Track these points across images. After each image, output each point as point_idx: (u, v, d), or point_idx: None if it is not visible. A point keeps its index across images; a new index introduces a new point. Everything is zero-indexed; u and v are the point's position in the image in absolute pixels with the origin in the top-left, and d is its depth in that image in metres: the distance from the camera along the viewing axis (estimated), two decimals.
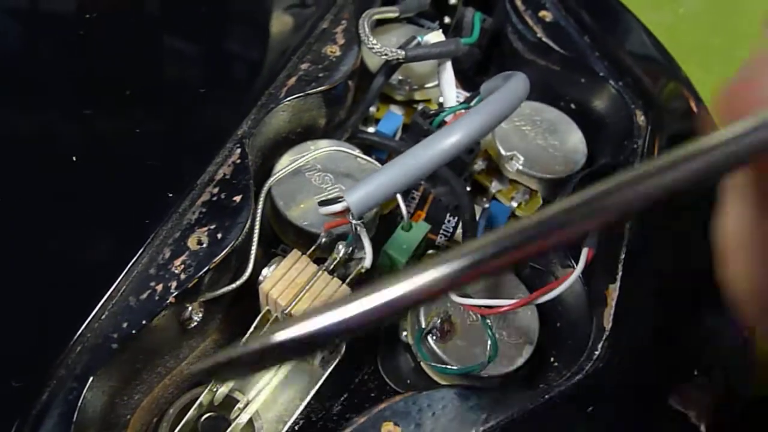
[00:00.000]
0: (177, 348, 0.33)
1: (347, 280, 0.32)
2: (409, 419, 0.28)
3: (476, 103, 0.40)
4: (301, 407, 0.34)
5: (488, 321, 0.30)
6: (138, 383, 0.32)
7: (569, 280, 0.28)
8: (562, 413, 0.29)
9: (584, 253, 0.30)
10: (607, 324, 0.31)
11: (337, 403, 0.35)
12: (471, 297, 0.29)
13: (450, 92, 0.40)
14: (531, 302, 0.28)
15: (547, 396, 0.29)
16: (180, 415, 0.32)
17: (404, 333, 0.36)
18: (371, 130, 0.43)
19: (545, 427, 0.28)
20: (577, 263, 0.33)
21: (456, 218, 0.41)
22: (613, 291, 0.33)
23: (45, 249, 0.29)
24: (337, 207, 0.28)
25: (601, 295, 0.33)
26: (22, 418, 0.26)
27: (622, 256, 0.33)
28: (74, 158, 0.31)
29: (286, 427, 0.34)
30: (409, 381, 0.36)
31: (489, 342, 0.30)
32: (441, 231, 0.41)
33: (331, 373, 0.36)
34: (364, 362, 0.36)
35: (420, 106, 0.44)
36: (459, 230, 0.40)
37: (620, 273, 0.33)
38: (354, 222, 0.31)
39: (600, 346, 0.31)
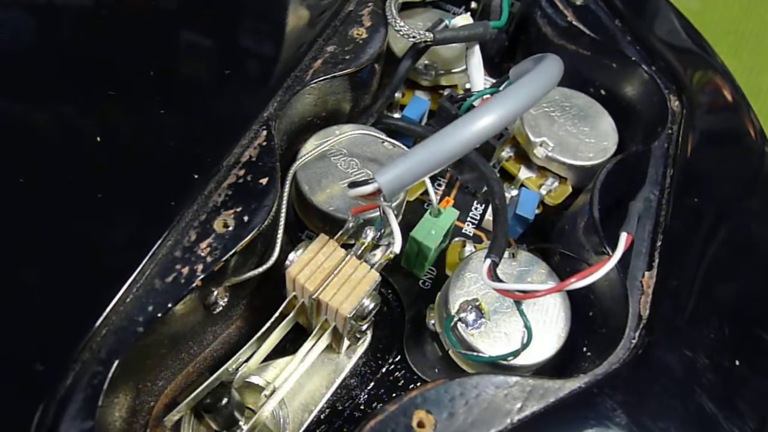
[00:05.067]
0: (201, 334, 0.33)
1: (375, 265, 0.31)
2: (441, 407, 0.27)
3: (505, 87, 0.39)
4: (327, 396, 0.34)
5: (522, 307, 0.29)
6: (162, 369, 0.31)
7: (609, 264, 0.27)
8: (599, 402, 0.28)
9: (623, 238, 0.29)
10: (644, 312, 0.31)
11: (363, 392, 0.34)
12: (505, 283, 0.29)
13: (478, 77, 0.39)
14: (568, 287, 0.27)
15: (583, 384, 0.28)
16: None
17: (432, 321, 0.35)
18: (396, 116, 0.42)
19: (582, 416, 0.27)
20: (612, 250, 0.32)
21: (483, 205, 0.40)
22: (650, 279, 0.32)
23: (69, 231, 0.29)
24: (367, 188, 0.27)
25: (637, 282, 0.32)
26: (47, 402, 0.25)
27: (659, 243, 0.32)
28: (98, 139, 0.31)
29: (311, 416, 0.33)
30: (437, 370, 0.35)
31: (523, 328, 0.29)
32: (468, 218, 0.40)
33: (357, 362, 0.35)
34: (391, 351, 0.36)
35: (446, 92, 0.43)
36: (487, 217, 0.39)
37: (657, 260, 0.32)
38: (384, 204, 0.30)
39: (637, 334, 0.30)
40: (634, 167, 0.35)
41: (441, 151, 0.27)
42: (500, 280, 0.29)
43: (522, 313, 0.29)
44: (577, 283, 0.27)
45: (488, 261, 0.30)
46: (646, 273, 0.32)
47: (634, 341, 0.30)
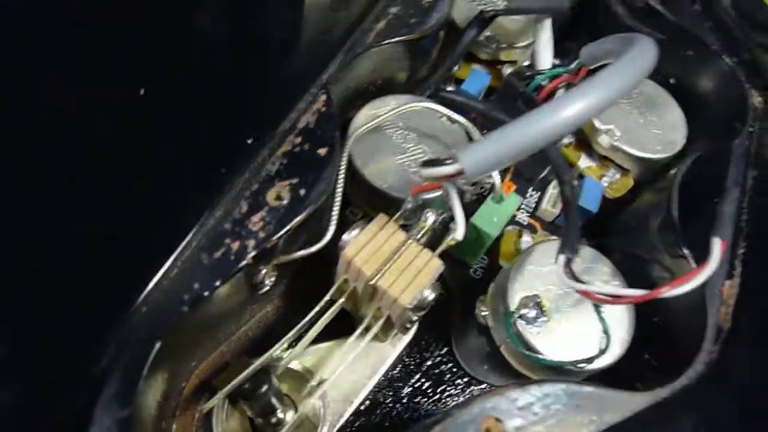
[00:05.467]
0: (240, 313, 0.30)
1: (436, 252, 0.29)
2: (511, 415, 0.24)
3: (576, 67, 0.36)
4: (369, 387, 0.31)
5: (602, 311, 0.26)
6: (197, 350, 0.29)
7: (705, 273, 0.25)
8: (678, 421, 0.26)
9: (717, 244, 0.26)
10: (725, 324, 0.28)
11: (407, 385, 0.32)
12: (583, 282, 0.26)
13: (546, 54, 0.36)
14: (662, 295, 0.24)
15: (660, 399, 0.26)
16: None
17: (483, 314, 0.32)
18: (450, 89, 0.39)
19: (657, 429, 0.25)
20: (689, 252, 0.30)
21: (539, 193, 0.38)
22: (731, 288, 0.29)
23: (108, 195, 0.26)
24: (448, 169, 0.24)
25: (716, 291, 0.29)
26: (78, 386, 0.22)
27: (741, 251, 0.30)
28: (142, 92, 0.28)
29: (352, 408, 0.31)
30: (486, 367, 0.33)
31: (602, 333, 0.27)
32: (523, 206, 0.37)
33: (401, 353, 0.33)
34: (438, 343, 0.33)
35: (505, 67, 0.40)
36: (543, 206, 0.37)
37: (739, 269, 0.30)
38: (450, 187, 0.28)
39: (716, 348, 0.28)
40: (714, 165, 0.33)
41: (534, 135, 0.24)
42: (579, 280, 0.26)
43: (601, 317, 0.27)
44: (671, 291, 0.24)
45: (562, 257, 0.27)
46: (727, 282, 0.29)
47: (713, 355, 0.28)
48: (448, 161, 0.25)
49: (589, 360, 0.27)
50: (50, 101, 0.27)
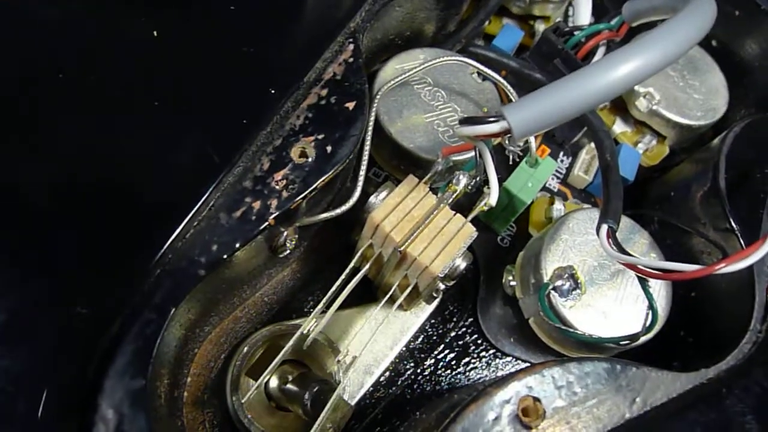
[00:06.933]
0: (257, 277, 0.28)
1: (468, 218, 0.27)
2: (550, 395, 0.23)
3: (617, 24, 0.33)
4: (391, 358, 0.30)
5: (649, 287, 0.25)
6: (212, 315, 0.27)
7: (765, 249, 0.23)
8: (727, 405, 0.24)
9: None
10: None
11: (429, 357, 0.31)
12: (631, 256, 0.24)
13: (585, 9, 0.34)
14: (719, 270, 0.22)
15: (706, 381, 0.25)
16: (254, 354, 0.28)
17: (511, 283, 0.31)
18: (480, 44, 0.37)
19: (708, 419, 0.24)
20: (738, 226, 0.28)
21: (570, 158, 0.36)
22: None
23: (121, 149, 0.23)
24: (492, 127, 0.22)
25: (766, 268, 0.27)
26: (88, 353, 0.21)
27: None
28: (155, 33, 0.25)
29: (372, 379, 0.29)
30: (512, 339, 0.31)
31: (647, 309, 0.25)
32: (554, 171, 0.35)
33: (425, 323, 0.31)
34: (462, 314, 0.32)
35: (537, 23, 0.37)
36: (574, 172, 0.35)
37: None
38: (484, 147, 0.25)
39: (765, 327, 0.26)
40: (761, 134, 0.31)
41: (590, 93, 0.22)
42: (626, 251, 0.24)
43: (648, 292, 0.25)
44: (728, 267, 0.22)
45: (605, 227, 0.26)
46: None
47: (761, 335, 0.26)
48: (492, 119, 0.23)
49: (634, 337, 0.25)
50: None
